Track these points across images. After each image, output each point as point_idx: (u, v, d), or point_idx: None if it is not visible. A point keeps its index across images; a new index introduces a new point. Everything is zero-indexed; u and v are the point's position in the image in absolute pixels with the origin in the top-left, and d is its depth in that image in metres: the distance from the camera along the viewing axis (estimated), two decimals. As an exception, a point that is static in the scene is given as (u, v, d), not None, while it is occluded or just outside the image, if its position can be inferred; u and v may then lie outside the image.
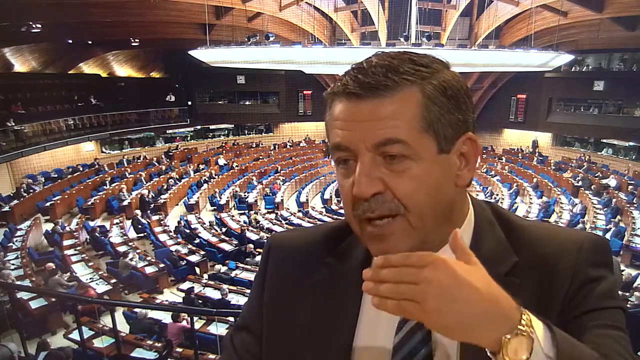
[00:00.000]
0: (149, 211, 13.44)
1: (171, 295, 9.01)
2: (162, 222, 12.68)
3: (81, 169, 16.41)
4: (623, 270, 8.89)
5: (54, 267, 8.46)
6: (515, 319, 0.50)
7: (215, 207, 15.18)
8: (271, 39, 14.35)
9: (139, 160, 18.83)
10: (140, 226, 12.39)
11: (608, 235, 11.46)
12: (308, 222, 13.91)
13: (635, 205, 13.82)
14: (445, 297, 0.48)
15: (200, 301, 7.96)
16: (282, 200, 16.03)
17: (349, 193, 0.62)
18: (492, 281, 0.51)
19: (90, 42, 16.71)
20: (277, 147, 23.06)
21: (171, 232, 11.92)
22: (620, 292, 7.47)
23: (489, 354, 0.51)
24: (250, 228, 12.67)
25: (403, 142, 0.58)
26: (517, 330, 0.49)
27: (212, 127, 23.24)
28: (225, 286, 8.19)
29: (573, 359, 0.51)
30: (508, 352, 0.49)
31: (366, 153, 0.59)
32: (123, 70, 21.22)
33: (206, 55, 13.72)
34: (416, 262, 0.50)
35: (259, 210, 15.48)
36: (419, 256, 0.50)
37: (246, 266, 9.79)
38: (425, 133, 0.59)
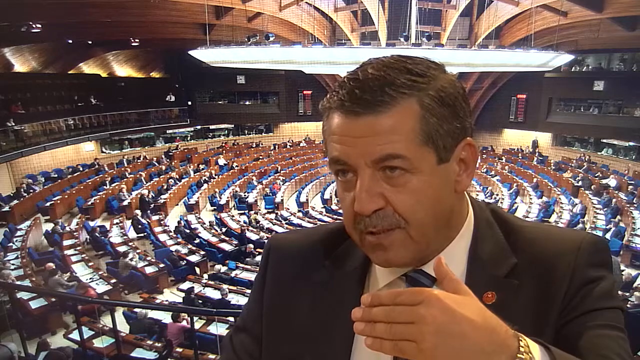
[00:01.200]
0: (149, 211, 13.44)
1: (171, 295, 9.02)
2: (162, 222, 12.68)
3: (81, 169, 16.41)
4: (623, 270, 8.88)
5: (54, 267, 8.44)
6: (513, 347, 0.49)
7: (215, 207, 15.18)
8: (271, 39, 14.34)
9: (139, 160, 18.84)
10: (140, 226, 12.39)
11: (608, 235, 11.47)
12: (308, 222, 13.91)
13: (635, 205, 13.81)
14: (443, 334, 0.47)
15: (200, 301, 7.96)
16: (282, 200, 16.03)
17: (350, 208, 0.62)
18: (486, 310, 0.50)
19: (90, 42, 16.72)
20: (277, 147, 23.06)
21: (171, 232, 11.92)
22: (620, 292, 7.47)
23: None
24: (250, 228, 12.68)
25: (402, 157, 0.57)
26: (517, 359, 0.48)
27: (212, 127, 23.24)
28: (225, 286, 8.20)
29: None
30: None
31: (366, 169, 0.59)
32: (123, 70, 21.22)
33: (206, 55, 13.72)
34: (408, 299, 0.49)
35: (259, 210, 15.48)
36: (411, 293, 0.49)
37: (246, 266, 9.79)
38: (424, 145, 0.59)
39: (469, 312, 0.48)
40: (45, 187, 14.18)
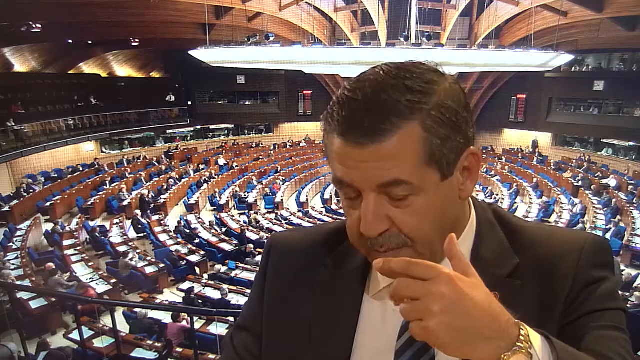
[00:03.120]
0: (149, 211, 13.44)
1: (171, 295, 9.02)
2: (162, 222, 12.68)
3: (81, 169, 16.41)
4: (623, 270, 8.90)
5: (54, 267, 8.45)
6: (513, 335, 0.49)
7: (215, 207, 15.17)
8: (271, 39, 14.34)
9: (139, 160, 18.83)
10: (140, 226, 12.39)
11: (608, 235, 11.46)
12: (308, 222, 13.91)
13: (635, 205, 13.82)
14: (448, 313, 0.47)
15: (200, 301, 7.96)
16: (282, 200, 16.03)
17: (355, 227, 0.61)
18: (492, 296, 0.51)
19: (90, 42, 16.72)
20: (277, 147, 23.07)
21: (171, 232, 11.92)
22: (620, 292, 7.47)
23: None
24: (250, 228, 12.68)
25: (407, 182, 0.57)
26: (515, 348, 0.49)
27: (212, 127, 23.24)
28: (225, 286, 8.20)
29: None
30: None
31: (370, 192, 0.58)
32: (123, 70, 21.22)
33: (206, 55, 13.71)
34: (419, 273, 0.49)
35: (259, 210, 15.48)
36: (423, 266, 0.49)
37: (246, 266, 9.79)
38: (427, 167, 0.58)
39: (477, 295, 0.49)
40: (45, 187, 14.18)
